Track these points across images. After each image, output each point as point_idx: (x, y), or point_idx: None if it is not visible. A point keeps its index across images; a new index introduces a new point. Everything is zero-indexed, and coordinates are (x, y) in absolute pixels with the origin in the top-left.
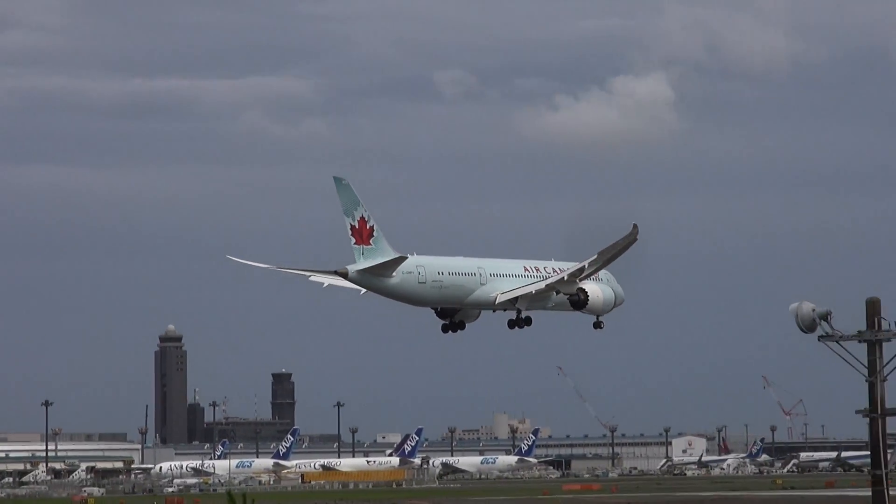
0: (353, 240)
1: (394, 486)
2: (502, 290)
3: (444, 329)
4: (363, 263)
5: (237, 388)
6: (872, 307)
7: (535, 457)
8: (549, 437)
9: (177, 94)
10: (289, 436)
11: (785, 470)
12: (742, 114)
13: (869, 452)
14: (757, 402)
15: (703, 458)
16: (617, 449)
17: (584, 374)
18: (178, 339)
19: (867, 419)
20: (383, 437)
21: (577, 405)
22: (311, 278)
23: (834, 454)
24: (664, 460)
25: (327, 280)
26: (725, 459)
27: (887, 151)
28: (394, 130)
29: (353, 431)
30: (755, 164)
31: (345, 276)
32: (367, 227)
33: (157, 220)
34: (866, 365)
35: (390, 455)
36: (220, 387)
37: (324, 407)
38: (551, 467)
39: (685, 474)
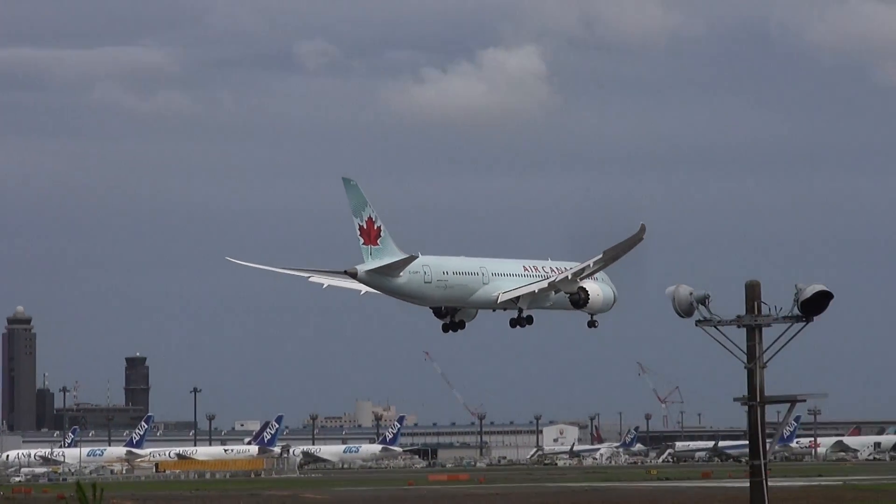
0: (361, 240)
1: (252, 475)
2: (504, 289)
3: (445, 329)
4: (372, 263)
5: (89, 373)
6: (752, 291)
7: (401, 445)
8: (415, 424)
9: (28, 64)
10: (143, 423)
11: (660, 460)
12: (618, 89)
13: (747, 442)
14: (631, 389)
15: (575, 448)
16: (486, 438)
17: (452, 359)
18: (27, 321)
19: (745, 407)
20: (242, 425)
21: (444, 392)
22: (311, 279)
23: (711, 444)
24: (535, 449)
25: (328, 281)
26: (598, 449)
27: (767, 128)
28: (254, 103)
29: (211, 419)
30: (631, 140)
31: (354, 276)
32: (375, 227)
33: (4, 198)
34: (745, 351)
35: (249, 443)
36: (71, 371)
37: (180, 393)
38: (417, 456)
39: (556, 464)
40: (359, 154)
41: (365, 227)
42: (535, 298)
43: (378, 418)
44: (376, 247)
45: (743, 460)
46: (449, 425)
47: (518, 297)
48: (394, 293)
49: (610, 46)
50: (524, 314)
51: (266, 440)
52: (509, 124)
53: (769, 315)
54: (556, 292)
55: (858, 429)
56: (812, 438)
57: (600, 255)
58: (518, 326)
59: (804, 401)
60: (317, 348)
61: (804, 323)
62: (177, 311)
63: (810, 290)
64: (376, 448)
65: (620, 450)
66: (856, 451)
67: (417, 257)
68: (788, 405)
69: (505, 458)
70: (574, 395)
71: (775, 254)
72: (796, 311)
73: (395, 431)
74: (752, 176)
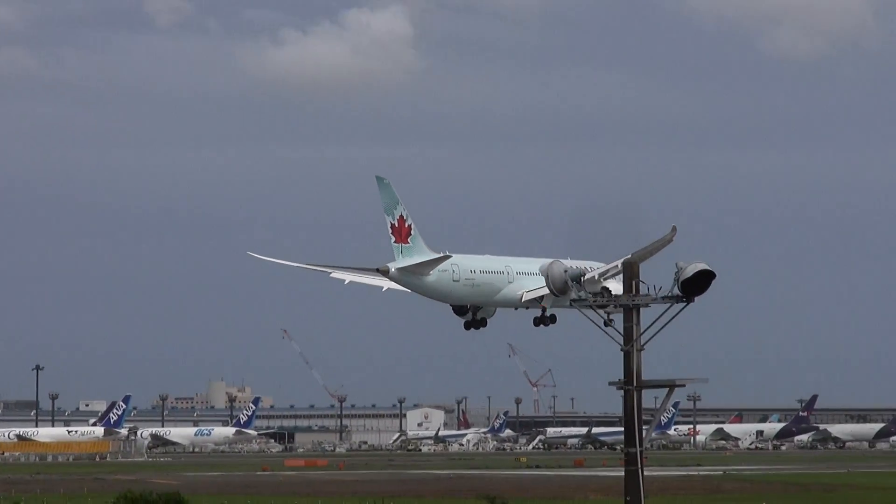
0: (393, 238)
1: (97, 458)
2: (528, 288)
3: (466, 326)
4: (403, 261)
5: None
6: (630, 269)
7: (256, 429)
8: (272, 407)
9: None
10: None
11: (530, 447)
12: (489, 55)
13: (622, 428)
14: (501, 371)
15: (441, 433)
16: (346, 421)
17: (312, 338)
18: None
19: (621, 392)
20: (87, 405)
21: (302, 372)
22: (333, 275)
23: (584, 430)
24: (397, 434)
25: (351, 277)
26: (465, 434)
27: (647, 99)
28: (101, 63)
29: (54, 398)
30: (502, 110)
31: (385, 273)
32: (406, 225)
33: None
34: (622, 332)
35: (94, 425)
36: None
37: (21, 370)
38: (273, 440)
39: (420, 450)
40: (211, 120)
41: (396, 225)
42: (559, 298)
43: (232, 399)
44: (407, 245)
45: (618, 448)
46: (307, 408)
47: (542, 297)
48: (422, 291)
49: (482, 9)
50: (547, 313)
51: (112, 421)
52: (373, 90)
53: (647, 295)
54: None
55: (740, 416)
56: (691, 426)
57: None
58: (542, 325)
59: (683, 386)
60: (168, 324)
61: (684, 303)
62: (16, 283)
63: (691, 269)
64: (230, 431)
65: (488, 435)
66: (737, 439)
67: (450, 257)
68: (666, 390)
69: (366, 443)
70: (440, 378)
71: (655, 231)
72: (676, 291)
73: (249, 414)
74: (632, 149)
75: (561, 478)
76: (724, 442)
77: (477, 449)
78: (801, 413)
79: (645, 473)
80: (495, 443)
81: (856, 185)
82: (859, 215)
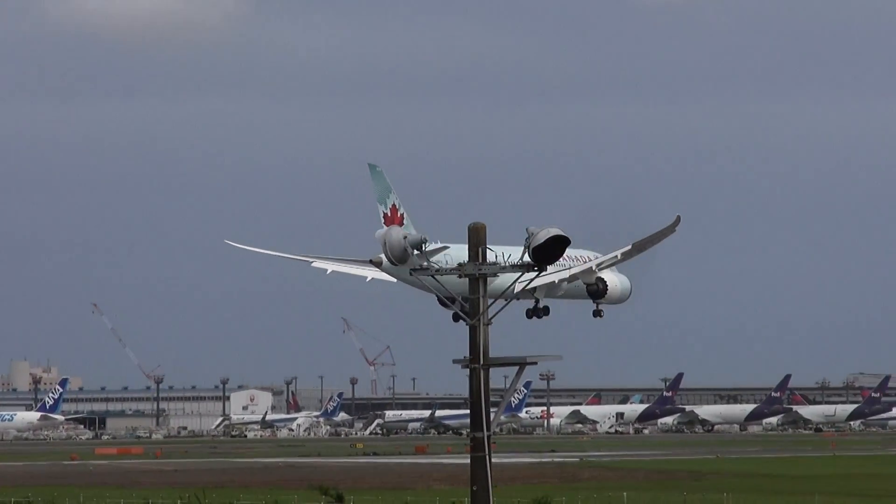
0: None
1: None
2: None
3: (455, 318)
4: None
5: None
6: (476, 234)
7: (63, 413)
8: (81, 389)
9: None
10: None
11: (367, 432)
12: (322, 2)
13: (468, 411)
14: (335, 349)
15: (268, 417)
16: (163, 405)
17: (125, 312)
18: None
19: (466, 370)
20: None
21: (115, 350)
22: (314, 264)
23: (426, 413)
24: (220, 419)
25: (333, 266)
26: (295, 418)
27: (499, 51)
28: None
29: None
30: (338, 61)
31: (378, 265)
32: (399, 214)
33: None
34: (468, 305)
35: None
36: None
37: None
38: (82, 426)
39: (246, 436)
40: (12, 71)
41: (389, 214)
42: (552, 288)
43: (36, 381)
44: None
45: (463, 433)
46: (120, 390)
47: (535, 288)
48: (413, 282)
49: None
50: (540, 304)
51: None
52: (190, 38)
53: (495, 263)
54: (561, 281)
55: (598, 397)
56: (544, 408)
57: (629, 247)
58: (535, 317)
59: (535, 363)
60: None
61: (536, 273)
62: None
63: (543, 234)
64: (34, 416)
65: (321, 420)
66: (595, 422)
67: (448, 248)
68: (517, 368)
69: (185, 428)
70: (267, 356)
71: (510, 193)
72: (527, 259)
73: (56, 397)
74: (483, 103)
75: (401, 466)
76: (580, 425)
77: (308, 434)
78: (665, 393)
79: (493, 461)
80: (329, 428)
81: (728, 136)
82: (727, 176)
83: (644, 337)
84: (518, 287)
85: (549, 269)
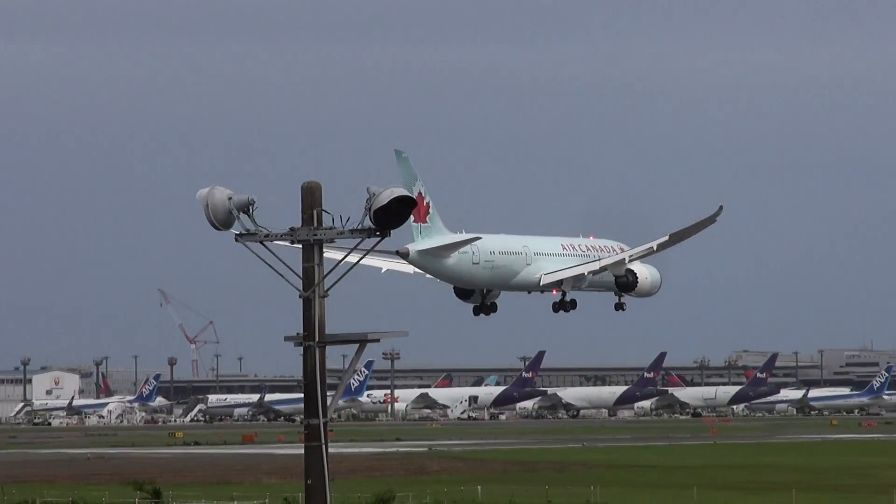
0: (412, 217)
1: None
2: (546, 270)
3: (476, 311)
4: (424, 243)
5: None
6: (310, 195)
7: None
8: None
9: None
10: None
11: (188, 419)
12: None
13: (301, 395)
14: (151, 325)
15: (76, 402)
16: None
17: None
18: None
19: (300, 349)
20: None
21: None
22: (326, 255)
23: (255, 397)
24: (21, 404)
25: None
26: (106, 404)
27: None
28: None
29: None
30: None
31: (406, 256)
32: (424, 203)
33: None
34: (301, 275)
35: None
36: None
37: None
38: None
39: (50, 423)
40: None
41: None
42: (578, 280)
43: None
44: (425, 224)
45: (297, 419)
46: None
47: (561, 280)
48: (439, 274)
49: None
50: (567, 298)
51: None
52: None
53: (333, 228)
54: (591, 273)
55: (449, 378)
56: (388, 391)
57: (666, 237)
58: (562, 311)
59: (377, 340)
60: None
61: (378, 238)
62: None
63: (386, 195)
64: None
65: (135, 405)
66: (446, 407)
67: (480, 238)
68: (357, 346)
69: None
70: (74, 334)
71: (347, 155)
72: (369, 223)
73: None
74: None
75: (227, 457)
76: (429, 411)
77: (121, 422)
78: (524, 374)
79: (331, 451)
80: (144, 414)
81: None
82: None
83: (501, 310)
84: (545, 280)
85: (577, 261)
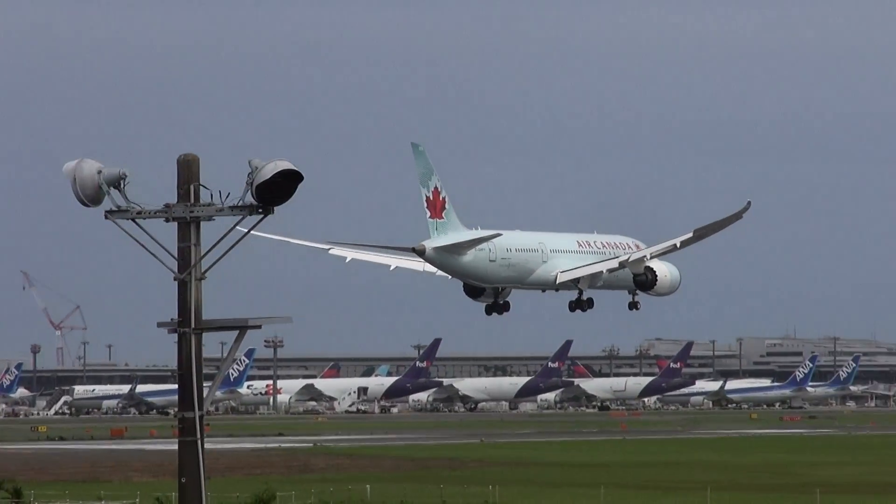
0: (428, 213)
1: None
2: (562, 268)
3: (489, 311)
4: (440, 240)
5: None
6: (187, 169)
7: None
8: None
9: None
10: None
11: (52, 411)
12: None
13: (176, 386)
14: (12, 309)
15: None
16: None
17: None
18: None
19: (174, 336)
20: None
21: None
22: (331, 251)
23: (125, 388)
24: None
25: (351, 254)
26: None
27: None
28: None
29: None
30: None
31: (422, 253)
32: (441, 198)
33: None
34: (176, 256)
35: None
36: None
37: None
38: None
39: None
40: None
41: (431, 197)
42: (595, 278)
43: None
44: (441, 220)
45: (171, 412)
46: None
47: (579, 279)
48: (454, 272)
49: None
50: (584, 296)
51: None
52: None
53: (211, 204)
54: (610, 271)
55: (337, 368)
56: (270, 381)
57: (690, 234)
58: (578, 311)
59: (259, 327)
60: None
61: (261, 215)
62: None
63: (269, 169)
64: None
65: None
66: (332, 399)
67: (500, 235)
68: (236, 333)
69: None
70: None
71: (230, 128)
72: (251, 199)
73: None
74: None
75: (94, 453)
76: (314, 403)
77: None
78: (418, 363)
79: (207, 446)
80: (4, 406)
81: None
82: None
83: (391, 294)
84: (562, 278)
85: (593, 258)
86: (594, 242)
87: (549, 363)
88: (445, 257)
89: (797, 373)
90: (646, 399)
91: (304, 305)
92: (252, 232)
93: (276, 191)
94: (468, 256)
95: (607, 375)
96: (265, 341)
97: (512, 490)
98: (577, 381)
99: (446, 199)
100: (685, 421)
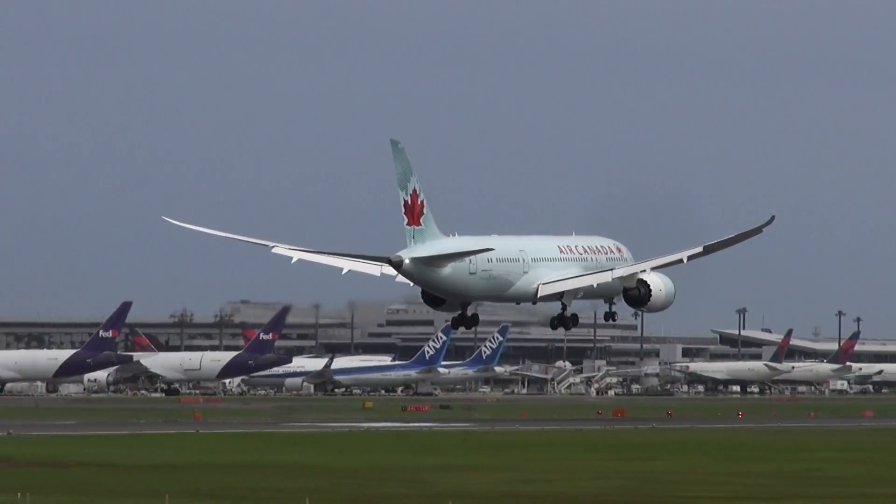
0: (406, 219)
1: None
2: (544, 280)
3: (455, 324)
4: (419, 251)
5: None
6: None
7: None
8: None
9: None
10: None
11: None
12: None
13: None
14: None
15: None
16: None
17: None
18: None
19: None
20: None
21: None
22: (274, 250)
23: None
24: None
25: (337, 263)
26: None
27: None
28: None
29: None
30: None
31: (399, 266)
32: (419, 202)
33: None
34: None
35: None
36: None
37: None
38: None
39: None
40: None
41: (409, 202)
42: (586, 291)
43: None
44: (419, 228)
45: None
46: None
47: (562, 293)
48: (431, 286)
49: None
50: (568, 312)
51: None
52: None
53: None
54: (600, 286)
55: None
56: None
57: (699, 249)
58: (562, 327)
59: None
60: None
61: None
62: None
63: None
64: None
65: None
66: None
67: (493, 249)
68: None
69: None
70: None
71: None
72: None
73: None
74: None
75: None
76: None
77: None
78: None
79: None
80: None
81: None
82: None
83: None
84: (543, 291)
85: (576, 266)
86: (575, 247)
87: (101, 332)
88: (424, 270)
89: (426, 349)
90: (227, 380)
91: None
92: (172, 221)
93: None
94: (447, 269)
95: (177, 349)
96: None
97: (48, 500)
98: (136, 355)
99: (424, 204)
100: (278, 410)
